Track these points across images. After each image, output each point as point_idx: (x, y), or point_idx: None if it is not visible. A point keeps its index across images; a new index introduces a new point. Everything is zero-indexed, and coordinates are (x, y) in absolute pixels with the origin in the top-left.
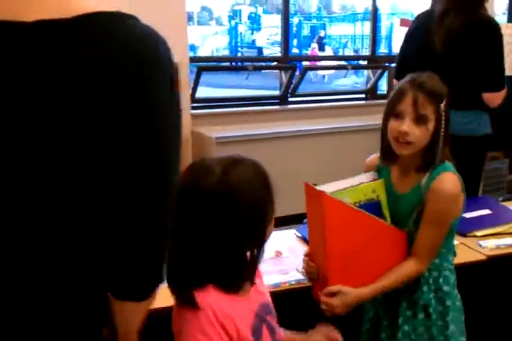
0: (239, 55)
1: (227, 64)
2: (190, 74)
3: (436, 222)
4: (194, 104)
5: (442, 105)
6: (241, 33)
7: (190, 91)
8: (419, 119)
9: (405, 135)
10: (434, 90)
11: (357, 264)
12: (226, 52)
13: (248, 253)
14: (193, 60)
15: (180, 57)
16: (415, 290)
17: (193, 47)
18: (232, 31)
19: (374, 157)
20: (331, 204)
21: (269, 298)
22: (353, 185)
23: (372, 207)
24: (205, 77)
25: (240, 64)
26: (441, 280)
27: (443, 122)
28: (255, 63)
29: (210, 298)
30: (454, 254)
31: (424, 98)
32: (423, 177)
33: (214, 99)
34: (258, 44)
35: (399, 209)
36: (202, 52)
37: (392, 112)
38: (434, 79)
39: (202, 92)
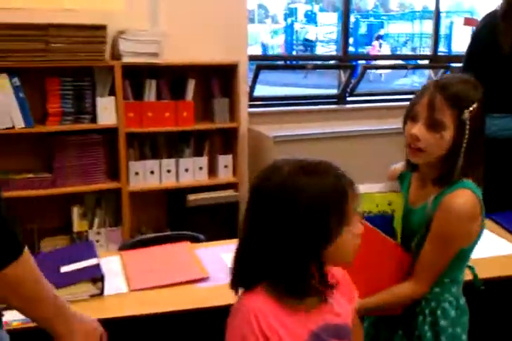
0: (294, 53)
1: (283, 62)
2: (248, 73)
3: (439, 242)
4: (252, 102)
5: (467, 112)
6: (297, 31)
7: (248, 89)
8: (433, 125)
9: (416, 140)
10: (457, 94)
11: (354, 278)
12: (281, 50)
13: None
14: (250, 58)
15: (239, 55)
16: (412, 318)
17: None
18: (288, 29)
19: (400, 164)
20: None
21: (346, 321)
22: (368, 192)
23: (383, 220)
24: (262, 75)
25: (296, 62)
26: (439, 312)
27: (467, 132)
28: (311, 62)
29: (257, 303)
30: (460, 287)
31: (442, 101)
32: (436, 193)
33: (272, 97)
34: (313, 42)
35: (408, 225)
36: (258, 51)
37: (409, 113)
38: (464, 82)
39: (259, 90)
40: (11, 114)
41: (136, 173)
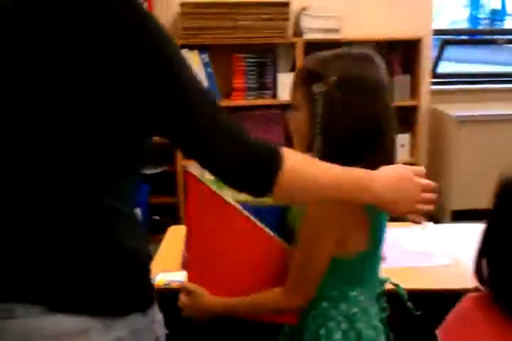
0: (480, 27)
1: (468, 37)
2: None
3: (300, 244)
4: (435, 80)
5: (316, 86)
6: (482, 4)
7: (431, 65)
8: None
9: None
10: (307, 69)
11: (222, 269)
12: (465, 25)
13: None
14: (435, 32)
15: (423, 29)
16: (300, 332)
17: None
18: (473, 1)
19: None
20: (198, 189)
21: None
22: None
23: (270, 212)
24: (447, 52)
25: (486, 37)
26: (322, 331)
27: (320, 108)
28: (502, 36)
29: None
30: (356, 306)
31: (295, 79)
32: None
33: (457, 74)
34: (502, 16)
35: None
36: (440, 25)
37: None
38: (316, 56)
39: (444, 68)
40: None
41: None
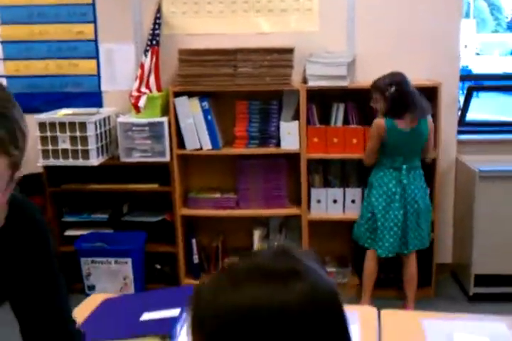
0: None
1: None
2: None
3: None
4: (462, 128)
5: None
6: None
7: (458, 113)
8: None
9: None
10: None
11: None
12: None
13: None
14: (462, 77)
15: (446, 75)
16: None
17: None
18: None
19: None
20: None
21: None
22: None
23: None
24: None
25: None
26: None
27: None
28: None
29: None
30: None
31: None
32: None
33: (485, 123)
34: None
35: None
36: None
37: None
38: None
39: (473, 116)
40: (199, 135)
41: (318, 201)
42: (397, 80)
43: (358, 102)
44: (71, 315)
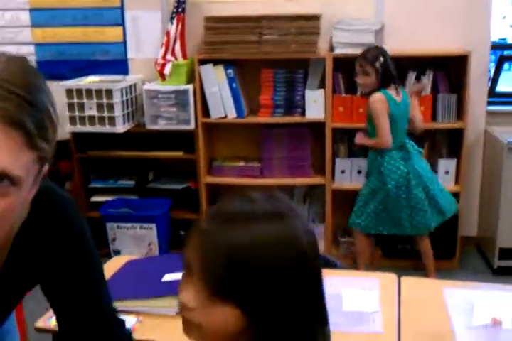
0: None
1: None
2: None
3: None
4: (491, 99)
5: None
6: None
7: (489, 83)
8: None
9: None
10: (366, 55)
11: None
12: None
13: None
14: (494, 47)
15: (476, 43)
16: None
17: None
18: None
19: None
20: None
21: None
22: None
23: None
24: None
25: None
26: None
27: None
28: None
29: None
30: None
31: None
32: None
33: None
34: None
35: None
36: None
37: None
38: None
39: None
40: (224, 103)
41: (343, 171)
42: (382, 51)
43: None
44: (110, 304)
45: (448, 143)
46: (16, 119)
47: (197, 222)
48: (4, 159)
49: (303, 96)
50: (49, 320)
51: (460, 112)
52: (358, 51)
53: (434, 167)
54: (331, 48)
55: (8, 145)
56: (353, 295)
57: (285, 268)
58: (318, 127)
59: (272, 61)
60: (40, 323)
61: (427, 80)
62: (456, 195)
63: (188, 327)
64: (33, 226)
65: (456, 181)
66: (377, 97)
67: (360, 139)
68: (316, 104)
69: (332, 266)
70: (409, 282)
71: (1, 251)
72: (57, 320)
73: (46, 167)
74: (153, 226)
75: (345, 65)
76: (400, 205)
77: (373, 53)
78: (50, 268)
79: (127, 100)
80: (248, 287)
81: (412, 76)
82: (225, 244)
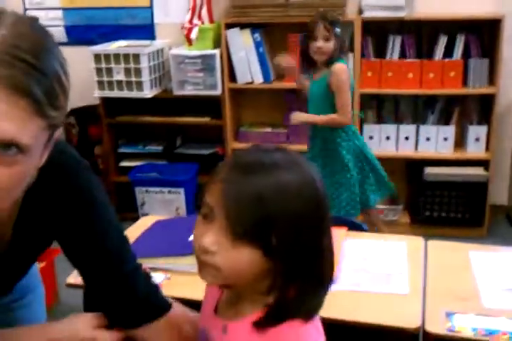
0: None
1: None
2: None
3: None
4: None
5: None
6: None
7: None
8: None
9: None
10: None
11: None
12: None
13: None
14: None
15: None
16: None
17: None
18: None
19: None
20: None
21: None
22: None
23: None
24: None
25: None
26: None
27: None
28: None
29: None
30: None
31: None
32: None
33: None
34: None
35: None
36: None
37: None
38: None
39: None
40: (251, 68)
41: (371, 137)
42: (337, 17)
43: (415, 35)
44: (127, 257)
45: (479, 109)
46: (24, 87)
47: (215, 171)
48: (12, 128)
49: None
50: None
51: (492, 77)
52: (388, 14)
53: (464, 134)
54: (360, 11)
55: (16, 113)
56: (380, 257)
57: (307, 210)
58: None
59: (299, 25)
60: (71, 279)
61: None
62: (486, 162)
63: (206, 270)
64: (42, 189)
65: (487, 148)
66: (343, 67)
67: (300, 117)
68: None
69: (358, 228)
70: (436, 245)
71: (11, 212)
72: (82, 277)
73: (58, 132)
74: (181, 190)
75: (374, 29)
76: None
77: (333, 16)
78: (60, 230)
79: (154, 65)
80: (274, 229)
81: (443, 40)
82: (251, 190)
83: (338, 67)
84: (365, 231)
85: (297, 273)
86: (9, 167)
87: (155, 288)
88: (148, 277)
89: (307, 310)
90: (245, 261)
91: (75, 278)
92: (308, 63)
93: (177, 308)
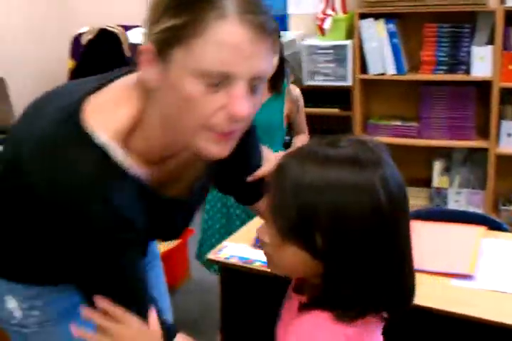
0: None
1: None
2: None
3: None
4: None
5: None
6: None
7: None
8: None
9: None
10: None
11: None
12: None
13: None
14: None
15: None
16: None
17: None
18: None
19: None
20: None
21: None
22: None
23: None
24: None
25: None
26: None
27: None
28: None
29: None
30: None
31: None
32: None
33: None
34: None
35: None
36: None
37: None
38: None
39: None
40: (383, 59)
41: (509, 135)
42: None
43: None
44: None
45: None
46: (272, 30)
47: (284, 155)
48: (268, 66)
49: (468, 53)
50: (219, 253)
51: None
52: None
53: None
54: (502, 0)
55: (268, 53)
56: None
57: (361, 211)
58: (484, 86)
59: (436, 15)
60: (212, 255)
61: None
62: None
63: (267, 259)
64: None
65: None
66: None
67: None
68: (483, 62)
69: (499, 228)
70: None
71: None
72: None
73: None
74: None
75: None
76: None
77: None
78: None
79: (287, 56)
80: (316, 227)
81: None
82: (294, 183)
83: (295, 87)
84: (506, 231)
85: (346, 280)
86: (254, 96)
87: None
88: None
89: (346, 311)
90: (290, 260)
91: (214, 254)
92: None
93: None
